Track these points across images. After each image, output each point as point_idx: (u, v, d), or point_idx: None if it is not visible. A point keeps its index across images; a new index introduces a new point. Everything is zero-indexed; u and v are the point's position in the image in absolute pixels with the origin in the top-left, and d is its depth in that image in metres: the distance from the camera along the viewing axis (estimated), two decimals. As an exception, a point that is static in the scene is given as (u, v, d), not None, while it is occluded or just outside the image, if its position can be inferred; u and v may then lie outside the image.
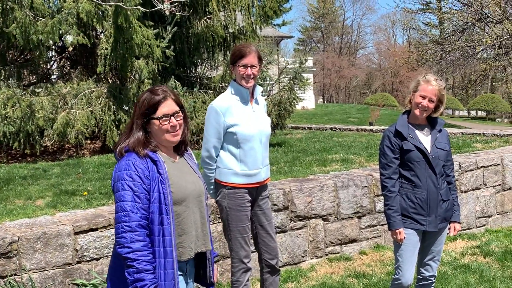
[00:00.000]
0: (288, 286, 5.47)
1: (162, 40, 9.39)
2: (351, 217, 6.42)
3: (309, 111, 37.44)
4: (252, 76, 4.06)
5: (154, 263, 2.68)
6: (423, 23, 35.97)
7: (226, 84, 10.57)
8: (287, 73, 13.60)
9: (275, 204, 5.75)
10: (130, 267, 2.62)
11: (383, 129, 13.81)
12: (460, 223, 4.24)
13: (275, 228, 4.71)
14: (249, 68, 4.03)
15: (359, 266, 6.05)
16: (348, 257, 6.29)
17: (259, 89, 4.27)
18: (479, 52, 21.57)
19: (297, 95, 11.33)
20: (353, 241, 6.46)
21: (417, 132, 4.06)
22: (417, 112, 4.02)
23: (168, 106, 2.85)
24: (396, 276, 4.09)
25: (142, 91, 8.76)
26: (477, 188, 7.47)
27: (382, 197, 6.27)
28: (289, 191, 5.91)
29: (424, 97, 3.97)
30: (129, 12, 8.49)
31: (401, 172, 4.06)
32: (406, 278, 4.05)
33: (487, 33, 19.59)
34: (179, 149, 2.99)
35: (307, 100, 38.94)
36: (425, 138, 4.06)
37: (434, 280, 4.28)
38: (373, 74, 76.04)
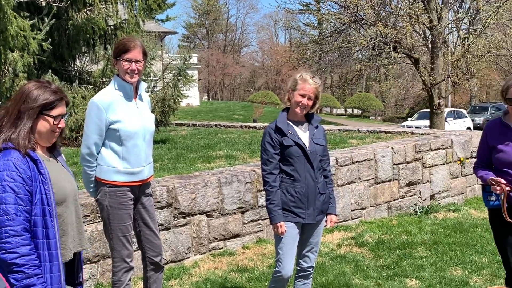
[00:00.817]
0: (171, 284, 5.46)
1: (39, 32, 8.94)
2: (235, 213, 6.52)
3: (194, 108, 37.42)
4: (136, 72, 3.98)
5: (41, 266, 2.57)
6: (303, 23, 37.23)
7: (107, 79, 10.30)
8: (171, 70, 13.48)
9: (158, 202, 5.70)
10: (18, 273, 2.50)
11: (266, 125, 14.14)
12: (336, 215, 4.46)
13: (158, 226, 4.68)
14: (133, 63, 3.95)
15: (242, 261, 6.16)
16: (232, 252, 6.38)
17: (143, 85, 4.20)
18: (354, 52, 22.67)
19: (181, 92, 11.28)
20: (236, 236, 6.56)
21: (296, 128, 4.21)
22: (297, 110, 4.16)
23: (62, 107, 2.75)
24: (277, 269, 4.21)
25: (17, 85, 8.31)
26: (353, 182, 7.87)
27: (264, 192, 6.45)
28: (173, 188, 5.88)
29: (303, 96, 4.12)
30: (3, 2, 7.99)
31: (282, 167, 4.19)
32: (286, 270, 4.18)
33: (362, 34, 20.64)
34: (53, 148, 2.88)
35: (192, 97, 38.85)
36: (303, 134, 4.22)
37: (312, 271, 4.45)
38: (256, 72, 77.43)
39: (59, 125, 2.74)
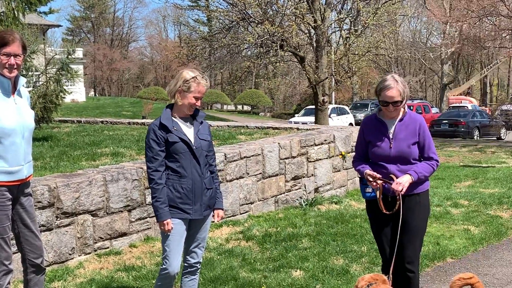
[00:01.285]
0: (54, 286, 5.27)
1: None
2: (121, 211, 6.40)
3: (79, 104, 36.08)
4: (15, 66, 3.82)
5: None
6: (192, 19, 37.16)
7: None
8: (54, 64, 12.93)
9: (39, 202, 5.46)
10: None
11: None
12: (223, 209, 4.52)
13: (40, 227, 4.50)
14: (12, 57, 3.78)
15: (129, 259, 6.08)
16: (118, 251, 6.27)
17: (22, 80, 4.03)
18: (243, 50, 22.98)
19: (65, 87, 10.85)
20: (123, 234, 6.45)
21: (181, 124, 4.22)
22: (186, 110, 4.19)
23: None
24: (164, 266, 4.20)
25: None
26: (241, 177, 8.00)
27: (151, 190, 6.39)
28: (55, 187, 5.67)
29: (197, 99, 4.16)
30: None
31: (168, 164, 4.18)
32: (173, 267, 4.18)
33: (250, 32, 20.95)
34: None
35: (77, 92, 37.38)
36: (188, 130, 4.24)
37: (199, 267, 4.48)
38: (145, 67, 76.16)
39: None
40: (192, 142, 4.20)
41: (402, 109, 4.38)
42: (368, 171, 4.31)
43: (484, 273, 5.85)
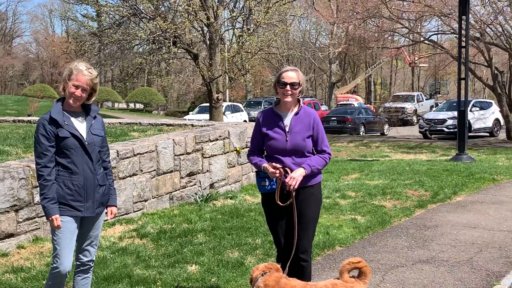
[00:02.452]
0: None
1: None
2: (8, 211, 6.10)
3: (-43, 102, 33.75)
4: None
5: None
6: (81, 14, 35.85)
7: None
8: None
9: None
10: None
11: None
12: (116, 206, 4.46)
13: None
14: None
15: (17, 261, 5.82)
16: (5, 252, 5.98)
17: None
18: (135, 46, 22.59)
19: None
20: (11, 236, 6.15)
21: (72, 119, 4.10)
22: (71, 101, 4.06)
23: None
24: (55, 265, 4.07)
25: None
26: (134, 174, 7.89)
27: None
28: None
29: (77, 87, 4.03)
30: None
31: (58, 160, 4.05)
32: (65, 265, 4.06)
33: (141, 28, 20.63)
34: None
35: (-45, 89, 34.95)
36: (80, 125, 4.13)
37: (92, 265, 4.39)
38: (31, 64, 72.58)
39: None
40: (84, 137, 4.09)
41: (298, 104, 4.54)
42: (268, 164, 4.41)
43: (370, 259, 6.19)
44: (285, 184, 4.36)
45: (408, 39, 31.24)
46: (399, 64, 69.03)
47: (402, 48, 42.54)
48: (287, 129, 4.47)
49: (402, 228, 7.65)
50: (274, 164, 4.38)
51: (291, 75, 4.43)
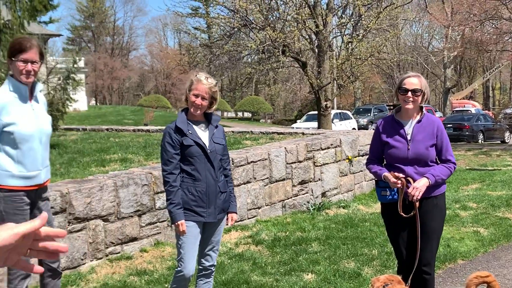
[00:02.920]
0: (68, 291, 5.27)
1: None
2: (132, 216, 6.41)
3: (81, 113, 36.13)
4: (32, 73, 3.84)
5: None
6: (193, 27, 37.24)
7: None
8: (56, 73, 12.98)
9: (52, 207, 5.45)
10: None
11: (159, 129, 14.00)
12: (236, 213, 4.53)
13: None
14: (29, 63, 3.81)
15: (141, 264, 6.08)
16: (129, 256, 6.27)
17: (39, 86, 4.07)
18: (244, 56, 23.05)
19: (70, 95, 10.90)
20: (134, 239, 6.45)
21: (195, 128, 4.23)
22: (192, 110, 4.20)
23: None
24: (179, 269, 4.21)
25: None
26: (248, 182, 8.00)
27: (161, 194, 6.41)
28: (66, 193, 5.68)
29: (197, 96, 4.15)
30: None
31: (182, 167, 4.19)
32: (188, 269, 4.19)
33: (251, 38, 21.03)
34: None
35: (80, 101, 37.36)
36: (203, 134, 4.25)
37: (214, 269, 4.49)
38: (146, 76, 76.34)
39: None
40: (207, 145, 4.21)
41: (420, 112, 4.39)
42: (389, 173, 4.29)
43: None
44: (408, 194, 4.21)
45: (529, 41, 29.38)
46: (519, 67, 65.15)
47: (523, 50, 40.11)
48: (408, 137, 4.32)
49: (530, 242, 7.16)
50: (396, 173, 4.24)
51: (413, 81, 4.29)
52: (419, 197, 4.15)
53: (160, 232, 6.77)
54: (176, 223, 4.12)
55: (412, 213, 4.23)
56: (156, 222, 6.71)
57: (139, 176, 6.54)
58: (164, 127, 4.26)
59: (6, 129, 3.74)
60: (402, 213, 4.25)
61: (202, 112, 4.25)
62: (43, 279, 4.17)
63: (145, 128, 15.50)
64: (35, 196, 3.97)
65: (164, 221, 6.76)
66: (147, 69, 77.71)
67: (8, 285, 3.92)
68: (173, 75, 65.01)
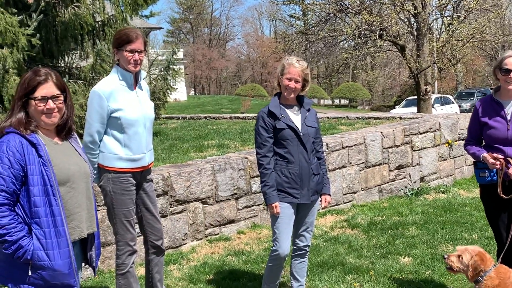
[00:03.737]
0: (171, 268, 5.57)
1: (27, 28, 8.95)
2: (229, 199, 6.63)
3: (181, 103, 37.39)
4: (139, 62, 4.09)
5: (25, 229, 2.74)
6: (288, 14, 37.29)
7: (97, 75, 10.32)
8: (157, 65, 13.51)
9: (155, 190, 5.77)
10: (5, 243, 2.70)
11: (255, 116, 14.25)
12: (330, 195, 4.58)
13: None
14: (136, 53, 4.06)
15: (238, 245, 6.29)
16: (227, 237, 6.50)
17: (143, 74, 4.34)
18: (340, 42, 22.78)
19: (170, 85, 11.34)
20: (231, 222, 6.68)
21: (288, 111, 4.32)
22: (285, 94, 4.28)
23: (47, 88, 2.86)
24: (274, 248, 4.33)
25: (7, 81, 8.34)
26: (343, 167, 8.00)
27: (257, 179, 6.58)
28: (168, 176, 5.98)
29: (290, 79, 4.23)
30: (-11, -2, 8.02)
31: (276, 150, 4.30)
32: (283, 249, 4.30)
33: (347, 23, 20.76)
34: (62, 131, 2.99)
35: (179, 92, 38.74)
36: (295, 117, 4.33)
37: (308, 250, 4.59)
38: (242, 65, 77.39)
39: (46, 106, 2.84)
40: (299, 128, 4.28)
41: None
42: (487, 154, 4.18)
43: None
44: (508, 175, 4.08)
45: None
46: None
47: None
48: (508, 118, 4.18)
49: None
50: (494, 154, 4.12)
51: None
52: None
53: (256, 215, 6.96)
54: (270, 205, 4.24)
55: (510, 195, 4.09)
56: (252, 205, 6.89)
57: (236, 161, 6.74)
58: (259, 114, 4.37)
59: (113, 114, 4.01)
60: (502, 195, 4.12)
61: (296, 95, 4.33)
62: (148, 256, 4.44)
63: (241, 115, 15.83)
64: (140, 177, 4.24)
65: (260, 204, 6.93)
66: (243, 59, 78.74)
67: (116, 260, 4.22)
68: (269, 64, 65.46)
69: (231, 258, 5.86)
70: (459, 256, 3.70)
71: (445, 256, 3.79)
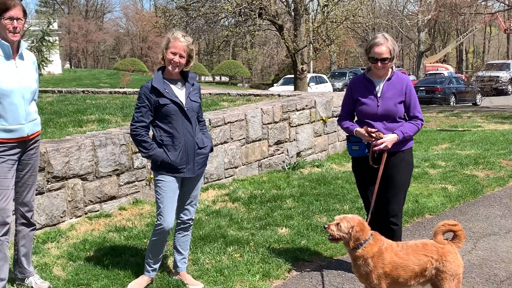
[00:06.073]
0: (48, 247, 5.42)
1: None
2: (110, 175, 6.53)
3: (56, 76, 35.75)
4: (18, 30, 3.97)
5: None
6: (169, -11, 36.64)
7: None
8: (29, 36, 12.80)
9: (30, 166, 5.57)
10: None
11: (136, 91, 14.01)
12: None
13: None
14: (15, 20, 3.93)
15: (120, 221, 6.24)
16: (108, 213, 6.42)
17: (23, 44, 4.20)
18: (221, 19, 22.90)
19: (46, 57, 10.83)
20: (113, 198, 6.59)
21: (172, 86, 4.35)
22: (170, 68, 4.30)
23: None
24: (158, 222, 4.37)
25: None
26: (225, 142, 8.15)
27: (139, 154, 6.53)
28: (45, 152, 5.77)
29: (174, 54, 4.25)
30: None
31: (160, 126, 4.31)
32: (168, 222, 4.35)
33: (228, 1, 20.88)
34: None
35: (54, 64, 36.95)
36: (180, 92, 4.37)
37: (192, 223, 4.68)
38: (121, 39, 75.23)
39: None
40: (184, 103, 4.33)
41: (390, 69, 4.56)
42: (361, 128, 4.48)
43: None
44: (375, 146, 4.42)
45: (503, 4, 29.66)
46: (493, 31, 65.69)
47: (497, 14, 40.40)
48: (378, 95, 4.52)
49: (495, 197, 7.47)
50: (368, 128, 4.43)
51: (381, 50, 4.42)
52: (380, 148, 4.37)
53: (138, 191, 6.92)
54: (162, 160, 4.26)
55: (379, 165, 4.44)
56: (134, 181, 6.85)
57: (117, 136, 6.64)
58: (141, 89, 4.35)
59: None
60: (373, 164, 4.47)
61: (180, 70, 4.36)
62: (16, 226, 4.40)
63: (121, 90, 15.47)
64: (23, 148, 4.15)
65: (142, 180, 6.90)
66: (122, 32, 76.53)
67: None
68: (149, 38, 64.20)
69: (112, 234, 5.81)
70: (337, 224, 3.84)
71: (326, 226, 3.88)
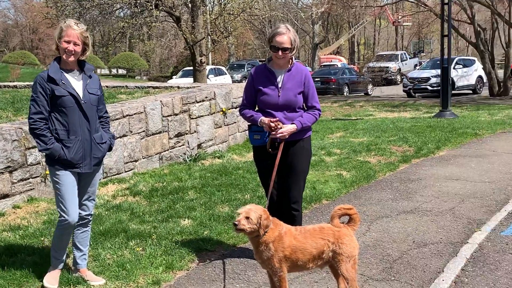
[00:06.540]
0: None
1: None
2: (2, 172, 6.22)
3: None
4: None
5: None
6: (60, -22, 35.14)
7: None
8: None
9: None
10: None
11: (27, 85, 13.37)
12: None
13: None
14: None
15: (14, 220, 5.98)
16: (1, 212, 6.13)
17: None
18: (116, 10, 22.33)
19: None
20: (5, 196, 6.29)
21: (69, 77, 4.22)
22: (64, 57, 4.18)
23: None
24: (63, 217, 4.22)
25: None
26: (124, 136, 8.01)
27: (33, 150, 6.29)
28: None
29: (68, 42, 4.14)
30: None
31: (57, 118, 4.17)
32: (73, 216, 4.23)
33: (123, -9, 20.43)
34: None
35: None
36: (76, 83, 4.25)
37: (91, 219, 4.58)
38: (10, 30, 71.23)
39: None
40: (81, 96, 4.21)
41: (290, 60, 4.70)
42: (266, 118, 4.57)
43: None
44: (274, 135, 4.56)
45: (391, -2, 31.17)
46: (382, 23, 68.95)
47: (386, 6, 42.53)
48: (279, 85, 4.65)
49: (386, 182, 7.91)
50: (272, 119, 4.55)
51: (283, 40, 4.55)
52: (279, 136, 4.52)
53: (33, 188, 6.65)
54: (59, 156, 4.14)
55: (277, 151, 4.57)
56: (28, 178, 6.57)
57: (8, 132, 6.34)
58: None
59: None
60: (270, 150, 4.60)
61: (76, 59, 4.24)
62: None
63: (11, 84, 14.70)
64: None
65: (37, 177, 6.64)
66: (10, 24, 72.46)
67: None
68: (40, 30, 61.31)
69: (6, 234, 5.55)
70: (247, 217, 3.86)
71: (236, 222, 3.82)
